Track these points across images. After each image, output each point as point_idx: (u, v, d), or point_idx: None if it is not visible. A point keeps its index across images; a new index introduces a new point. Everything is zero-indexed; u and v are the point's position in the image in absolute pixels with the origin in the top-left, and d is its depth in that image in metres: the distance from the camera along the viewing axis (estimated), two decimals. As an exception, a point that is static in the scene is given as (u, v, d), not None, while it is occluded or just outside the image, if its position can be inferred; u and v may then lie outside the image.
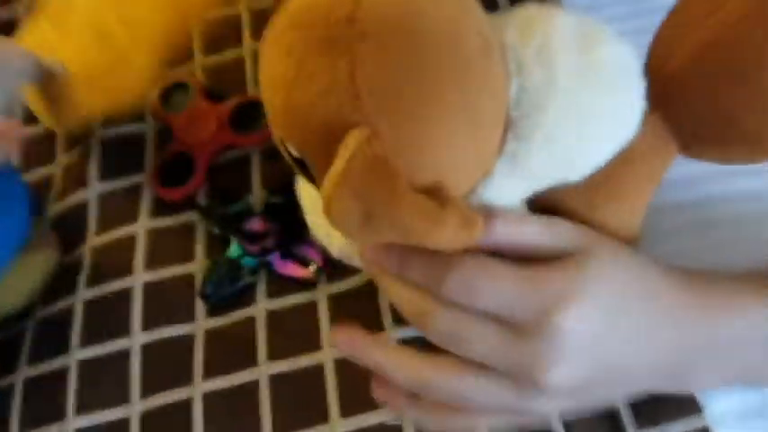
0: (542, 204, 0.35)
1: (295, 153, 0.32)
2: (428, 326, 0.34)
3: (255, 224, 0.49)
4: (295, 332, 0.45)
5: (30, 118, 0.55)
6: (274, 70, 0.30)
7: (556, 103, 0.31)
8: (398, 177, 0.28)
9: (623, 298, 0.34)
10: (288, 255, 0.48)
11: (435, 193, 0.30)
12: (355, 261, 0.40)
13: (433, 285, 0.33)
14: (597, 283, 0.33)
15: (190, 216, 0.51)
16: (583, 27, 0.32)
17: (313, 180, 0.32)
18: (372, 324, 0.44)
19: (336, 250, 0.40)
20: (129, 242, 0.51)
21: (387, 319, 0.45)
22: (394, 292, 0.35)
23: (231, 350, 0.46)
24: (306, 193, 0.41)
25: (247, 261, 0.48)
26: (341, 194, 0.28)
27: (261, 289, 0.48)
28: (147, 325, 0.48)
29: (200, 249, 0.50)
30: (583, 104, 0.32)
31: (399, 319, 0.43)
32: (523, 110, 0.31)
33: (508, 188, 0.33)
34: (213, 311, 0.48)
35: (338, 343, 0.37)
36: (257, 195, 0.51)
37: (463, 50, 0.29)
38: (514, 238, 0.33)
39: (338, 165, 0.28)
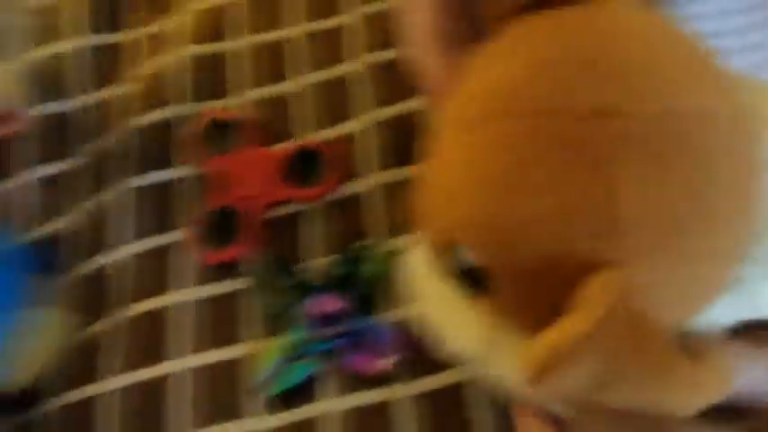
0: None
1: (470, 263, 0.24)
2: None
3: (324, 303, 0.41)
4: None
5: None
6: (474, 167, 0.23)
7: None
8: (661, 340, 0.21)
9: None
10: (360, 342, 0.40)
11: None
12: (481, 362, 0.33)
13: None
14: None
15: (237, 284, 0.43)
16: None
17: (480, 292, 0.25)
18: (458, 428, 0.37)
19: (461, 346, 0.33)
20: (166, 316, 0.43)
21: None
22: None
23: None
24: (422, 270, 0.34)
25: (312, 347, 0.40)
26: (582, 355, 0.21)
27: (328, 381, 0.40)
28: (192, 423, 0.39)
29: (252, 327, 0.42)
30: None
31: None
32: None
33: (720, 314, 0.27)
34: (272, 407, 0.40)
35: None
36: (316, 263, 0.43)
37: (751, 160, 0.22)
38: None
39: (585, 318, 0.21)
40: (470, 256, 0.24)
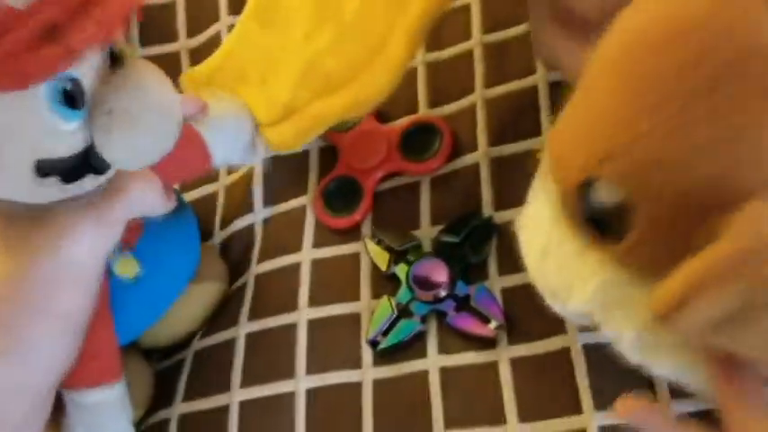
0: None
1: (611, 201, 0.25)
2: None
3: (429, 268, 0.45)
4: (473, 396, 0.41)
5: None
6: (626, 103, 0.24)
7: None
8: None
9: None
10: (464, 306, 0.44)
11: None
12: (596, 319, 0.34)
13: None
14: None
15: (355, 247, 0.48)
16: None
17: (611, 237, 0.26)
18: (564, 397, 0.40)
19: (577, 305, 0.33)
20: (293, 273, 0.48)
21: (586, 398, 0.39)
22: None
23: (403, 406, 0.43)
24: (535, 234, 0.35)
25: (418, 308, 0.44)
26: (723, 284, 0.21)
27: (432, 341, 0.44)
28: (313, 368, 0.45)
29: (366, 287, 0.47)
30: None
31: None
32: None
33: None
34: (381, 359, 0.44)
35: (624, 410, 0.31)
36: (426, 231, 0.47)
37: None
38: None
39: (730, 247, 0.21)
40: (609, 193, 0.25)
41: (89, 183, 0.36)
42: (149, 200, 0.40)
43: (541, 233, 0.34)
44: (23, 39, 0.30)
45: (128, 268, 0.42)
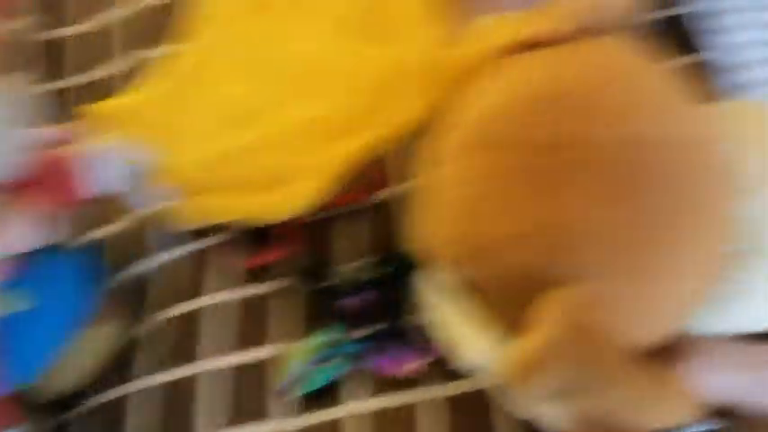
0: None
1: (459, 277, 0.26)
2: None
3: (357, 303, 0.41)
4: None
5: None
6: (456, 191, 0.26)
7: None
8: (616, 352, 0.22)
9: None
10: (387, 346, 0.40)
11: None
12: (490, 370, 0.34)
13: None
14: None
15: (272, 286, 0.44)
16: None
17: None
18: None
19: (472, 358, 0.35)
20: (192, 319, 0.44)
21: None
22: None
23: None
24: (433, 292, 0.36)
25: (341, 349, 0.41)
26: (548, 365, 0.22)
27: (353, 384, 0.40)
28: (213, 424, 0.41)
29: (281, 330, 0.43)
30: None
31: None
32: (747, 241, 0.25)
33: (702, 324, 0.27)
34: (297, 409, 0.40)
35: None
36: (350, 265, 0.44)
37: (705, 185, 0.23)
38: None
39: (542, 336, 0.22)
40: (456, 271, 0.26)
41: None
42: (26, 235, 0.39)
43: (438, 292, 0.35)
44: None
45: (13, 302, 0.40)
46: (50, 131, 0.44)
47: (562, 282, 0.22)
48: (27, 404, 0.43)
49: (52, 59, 0.57)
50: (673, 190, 0.22)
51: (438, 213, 0.26)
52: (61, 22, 0.58)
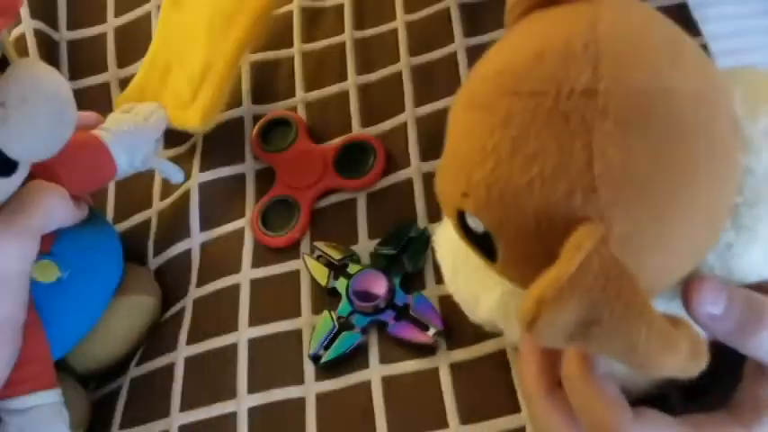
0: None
1: (479, 229, 0.28)
2: None
3: (368, 280, 0.46)
4: (416, 402, 0.42)
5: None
6: (479, 140, 0.27)
7: None
8: (638, 289, 0.24)
9: None
10: (404, 315, 0.44)
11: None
12: (501, 327, 0.37)
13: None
14: None
15: (294, 264, 0.48)
16: None
17: (490, 258, 0.29)
18: (503, 397, 0.41)
19: (483, 315, 0.37)
20: (233, 294, 0.48)
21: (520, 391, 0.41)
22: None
23: (347, 417, 0.43)
24: (447, 251, 0.38)
25: (359, 320, 0.45)
26: (564, 301, 0.23)
27: (373, 351, 0.44)
28: (255, 387, 0.45)
29: (306, 303, 0.47)
30: None
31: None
32: (748, 197, 0.27)
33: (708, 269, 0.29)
34: (324, 373, 0.44)
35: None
36: (364, 245, 0.48)
37: (717, 136, 0.25)
38: None
39: (566, 267, 0.23)
40: (475, 222, 0.28)
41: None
42: (62, 209, 0.41)
43: (451, 251, 0.38)
44: None
45: (47, 273, 0.42)
46: (86, 114, 0.48)
47: (586, 220, 0.24)
48: (70, 374, 0.46)
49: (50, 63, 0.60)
50: (683, 136, 0.25)
51: (467, 159, 0.27)
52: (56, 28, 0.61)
